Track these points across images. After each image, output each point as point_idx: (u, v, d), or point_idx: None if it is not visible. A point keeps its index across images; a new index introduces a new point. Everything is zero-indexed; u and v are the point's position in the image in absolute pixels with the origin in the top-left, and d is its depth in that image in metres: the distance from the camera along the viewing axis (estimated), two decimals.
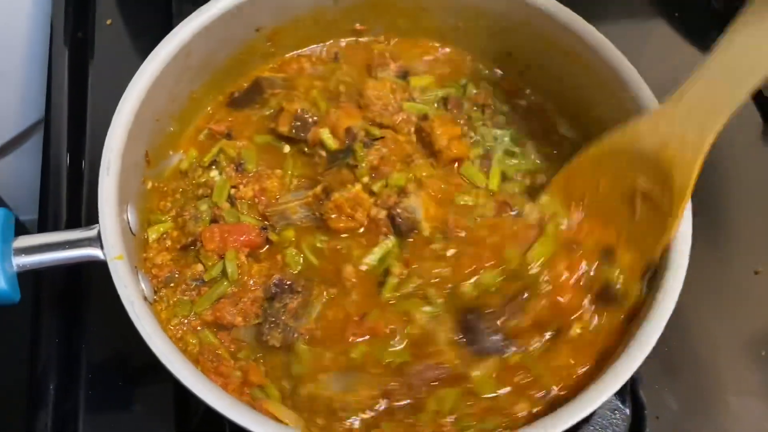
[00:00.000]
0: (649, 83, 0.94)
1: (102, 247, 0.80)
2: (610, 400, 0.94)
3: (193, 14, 0.95)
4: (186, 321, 0.88)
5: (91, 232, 0.81)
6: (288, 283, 0.88)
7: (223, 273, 0.89)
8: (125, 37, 1.25)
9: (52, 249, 0.80)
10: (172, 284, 0.89)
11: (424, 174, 0.95)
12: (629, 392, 0.96)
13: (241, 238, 0.90)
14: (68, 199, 1.08)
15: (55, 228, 1.05)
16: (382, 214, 0.92)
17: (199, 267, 0.90)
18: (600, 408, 0.93)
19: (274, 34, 1.06)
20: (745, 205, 1.17)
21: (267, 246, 0.92)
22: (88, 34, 1.24)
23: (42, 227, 1.06)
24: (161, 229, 0.93)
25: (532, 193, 0.97)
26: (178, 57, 0.93)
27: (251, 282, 0.89)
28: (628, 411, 0.95)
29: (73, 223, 1.06)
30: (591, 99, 1.00)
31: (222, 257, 0.89)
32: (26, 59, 1.68)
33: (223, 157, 0.98)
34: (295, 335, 0.86)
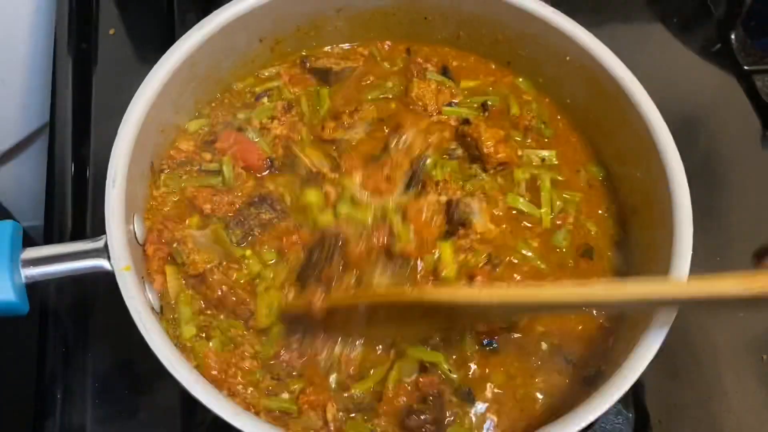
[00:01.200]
0: (648, 89, 0.95)
1: (109, 258, 0.81)
2: (613, 405, 0.95)
3: (197, 25, 0.96)
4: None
5: (98, 244, 0.82)
6: (271, 200, 0.94)
7: (221, 172, 0.97)
8: (128, 47, 1.26)
9: (60, 260, 0.81)
10: (187, 167, 0.98)
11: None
12: (632, 396, 0.97)
13: (246, 154, 0.98)
14: (73, 208, 1.09)
15: (61, 237, 1.06)
16: (443, 199, 0.95)
17: (207, 156, 0.98)
18: (603, 413, 0.95)
19: (277, 44, 1.07)
20: (745, 208, 1.18)
21: (267, 172, 0.99)
22: (91, 43, 1.25)
23: (48, 236, 1.07)
24: (200, 123, 1.02)
25: None
26: (182, 68, 0.94)
27: (239, 192, 0.96)
28: (631, 415, 0.96)
29: (78, 232, 1.07)
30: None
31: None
32: (28, 67, 1.69)
33: (276, 93, 1.05)
34: (251, 239, 0.91)
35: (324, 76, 1.08)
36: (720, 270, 1.05)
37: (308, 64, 1.09)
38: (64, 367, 0.98)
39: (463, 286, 0.89)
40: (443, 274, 0.90)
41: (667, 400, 1.00)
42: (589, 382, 0.88)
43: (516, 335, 0.90)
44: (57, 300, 1.02)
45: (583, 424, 0.74)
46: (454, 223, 0.94)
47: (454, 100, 1.06)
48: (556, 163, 1.03)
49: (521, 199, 0.99)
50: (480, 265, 0.92)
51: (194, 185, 0.96)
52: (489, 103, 1.06)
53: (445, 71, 1.10)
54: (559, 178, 1.01)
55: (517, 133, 1.04)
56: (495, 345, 0.89)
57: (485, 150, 0.99)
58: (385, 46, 1.12)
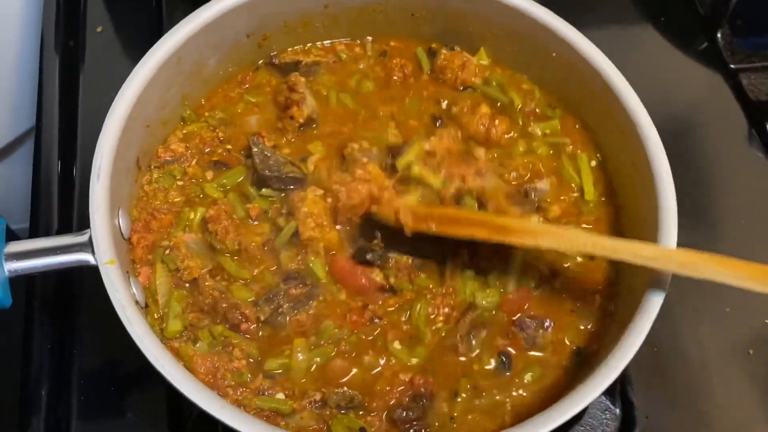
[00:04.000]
0: (635, 88, 0.95)
1: (93, 252, 0.80)
2: (600, 400, 0.95)
3: (184, 20, 0.96)
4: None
5: (82, 238, 0.82)
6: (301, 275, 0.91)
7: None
8: (116, 44, 1.25)
9: (44, 254, 0.81)
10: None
11: None
12: (619, 392, 0.97)
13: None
14: (59, 206, 1.09)
15: (47, 234, 1.05)
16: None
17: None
18: (590, 408, 0.95)
19: (264, 40, 1.07)
20: (732, 205, 1.18)
21: None
22: (79, 41, 1.24)
23: (33, 233, 1.07)
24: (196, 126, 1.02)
25: None
26: (168, 63, 0.94)
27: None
28: (618, 410, 0.96)
29: (64, 229, 1.06)
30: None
31: None
32: (16, 69, 1.68)
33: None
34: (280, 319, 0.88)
35: (291, 70, 1.07)
36: None
37: (276, 61, 1.08)
38: (50, 365, 0.98)
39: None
40: None
41: (655, 395, 1.00)
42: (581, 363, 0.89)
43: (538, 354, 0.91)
44: (42, 297, 1.02)
45: (568, 416, 0.74)
46: (530, 202, 0.97)
47: (476, 80, 1.08)
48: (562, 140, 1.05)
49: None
50: None
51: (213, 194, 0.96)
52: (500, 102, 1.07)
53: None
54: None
55: (523, 119, 1.06)
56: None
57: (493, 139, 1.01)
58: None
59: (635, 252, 0.82)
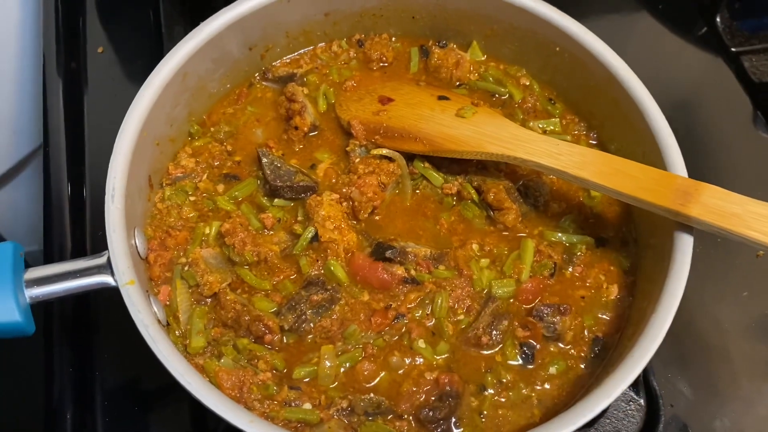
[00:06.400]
0: (638, 76, 0.95)
1: (113, 274, 0.80)
2: (624, 392, 0.95)
3: (187, 36, 0.96)
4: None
5: (100, 260, 0.82)
6: (321, 280, 0.91)
7: None
8: (118, 64, 1.25)
9: (64, 279, 0.81)
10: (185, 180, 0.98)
11: None
12: (642, 383, 0.97)
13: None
14: (72, 227, 1.08)
15: (61, 257, 1.06)
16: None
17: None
18: (615, 400, 0.94)
19: (266, 51, 1.07)
20: (740, 188, 1.17)
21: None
22: (81, 63, 1.24)
23: (48, 257, 1.07)
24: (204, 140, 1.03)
25: None
26: (174, 79, 0.94)
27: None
28: (642, 401, 0.96)
29: (78, 251, 1.06)
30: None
31: None
32: (16, 92, 1.68)
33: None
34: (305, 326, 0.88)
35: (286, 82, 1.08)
36: (721, 255, 1.07)
37: (269, 75, 1.09)
38: (72, 387, 0.98)
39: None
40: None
41: (677, 384, 1.00)
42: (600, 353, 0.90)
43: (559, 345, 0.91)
44: (61, 320, 1.02)
45: (596, 411, 0.74)
46: (525, 197, 0.98)
47: (471, 76, 1.08)
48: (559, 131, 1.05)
49: None
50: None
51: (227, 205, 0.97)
52: (497, 95, 1.08)
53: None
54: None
55: (523, 114, 1.06)
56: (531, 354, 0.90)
57: None
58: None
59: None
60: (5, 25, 1.48)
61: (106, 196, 0.84)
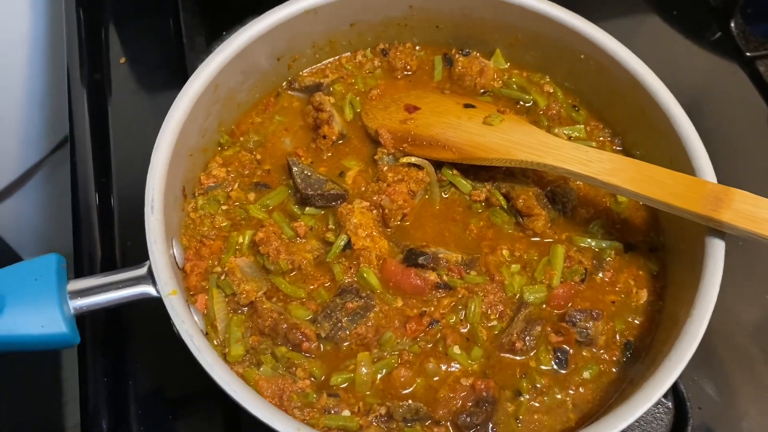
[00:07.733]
0: None
1: (154, 284, 0.81)
2: None
3: (218, 49, 0.97)
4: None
5: (141, 271, 0.83)
6: (355, 287, 0.92)
7: None
8: (141, 74, 1.26)
9: (106, 290, 0.82)
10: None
11: None
12: (670, 386, 0.98)
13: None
14: (101, 238, 1.09)
15: (91, 267, 1.06)
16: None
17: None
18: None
19: (293, 61, 1.08)
20: (756, 192, 1.19)
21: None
22: (104, 74, 1.25)
23: (78, 268, 1.07)
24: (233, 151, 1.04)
25: None
26: (206, 91, 0.95)
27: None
28: (670, 404, 0.97)
29: (108, 261, 1.07)
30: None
31: None
32: (25, 103, 1.69)
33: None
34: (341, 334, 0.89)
35: (313, 91, 1.09)
36: (742, 255, 1.08)
37: (296, 84, 1.10)
38: (107, 396, 0.98)
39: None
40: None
41: (705, 386, 1.01)
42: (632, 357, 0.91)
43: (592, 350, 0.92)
44: (93, 330, 1.02)
45: (639, 412, 0.75)
46: (554, 202, 0.99)
47: (495, 84, 1.10)
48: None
49: None
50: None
51: (258, 214, 0.98)
52: (522, 102, 1.09)
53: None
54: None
55: (548, 122, 1.07)
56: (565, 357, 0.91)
57: None
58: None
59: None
60: (11, 35, 1.49)
61: (145, 208, 0.84)
